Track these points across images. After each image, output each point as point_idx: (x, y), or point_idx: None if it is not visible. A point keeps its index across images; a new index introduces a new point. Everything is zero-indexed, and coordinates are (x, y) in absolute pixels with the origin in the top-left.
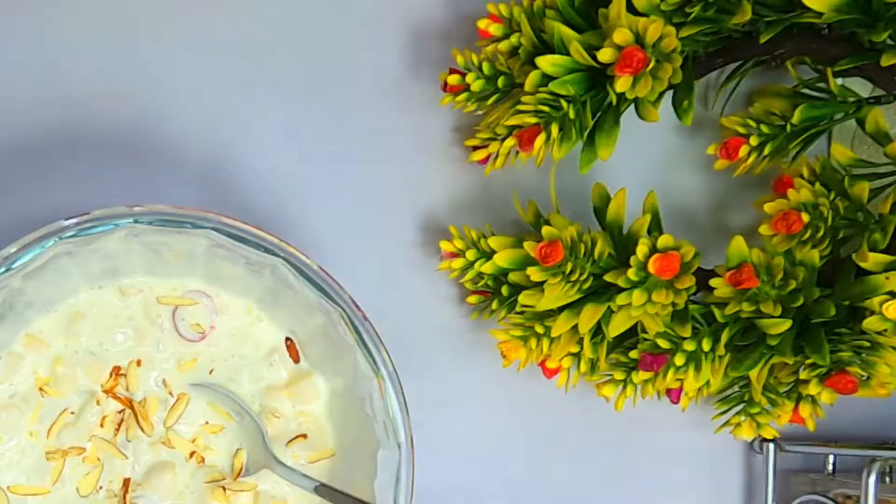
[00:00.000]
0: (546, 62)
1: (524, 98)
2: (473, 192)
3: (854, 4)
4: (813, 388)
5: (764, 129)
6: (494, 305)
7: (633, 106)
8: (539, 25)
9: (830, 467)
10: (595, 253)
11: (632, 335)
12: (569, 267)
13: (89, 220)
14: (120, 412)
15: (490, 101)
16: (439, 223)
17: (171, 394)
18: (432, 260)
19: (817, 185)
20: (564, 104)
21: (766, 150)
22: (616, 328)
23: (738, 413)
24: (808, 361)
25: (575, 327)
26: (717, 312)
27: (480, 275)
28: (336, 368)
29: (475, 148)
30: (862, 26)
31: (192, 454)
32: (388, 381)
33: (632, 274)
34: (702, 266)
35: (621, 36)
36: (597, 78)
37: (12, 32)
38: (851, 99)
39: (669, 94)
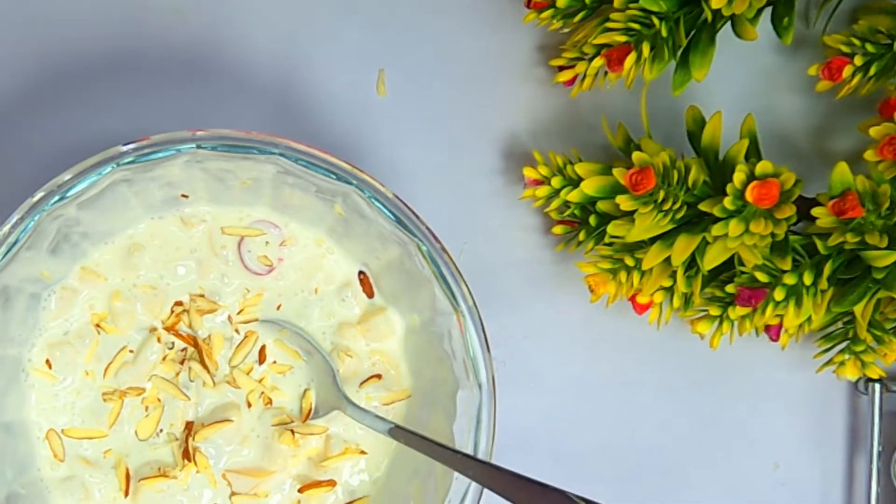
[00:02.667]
0: None
1: (613, 15)
2: (559, 115)
3: None
4: None
5: (869, 48)
6: (581, 236)
7: (729, 23)
8: None
9: None
10: (689, 180)
11: (728, 268)
12: (661, 195)
13: (149, 146)
14: (182, 350)
15: (577, 19)
16: (522, 148)
17: (236, 331)
18: (515, 188)
19: None
20: (656, 21)
21: (872, 71)
22: (711, 260)
23: (841, 351)
24: None
25: (667, 259)
26: (819, 244)
27: (566, 203)
28: (412, 303)
29: (561, 68)
30: None
31: (259, 395)
32: (468, 316)
33: (728, 203)
34: (803, 194)
35: None
36: None
37: None
38: None
39: (768, 10)
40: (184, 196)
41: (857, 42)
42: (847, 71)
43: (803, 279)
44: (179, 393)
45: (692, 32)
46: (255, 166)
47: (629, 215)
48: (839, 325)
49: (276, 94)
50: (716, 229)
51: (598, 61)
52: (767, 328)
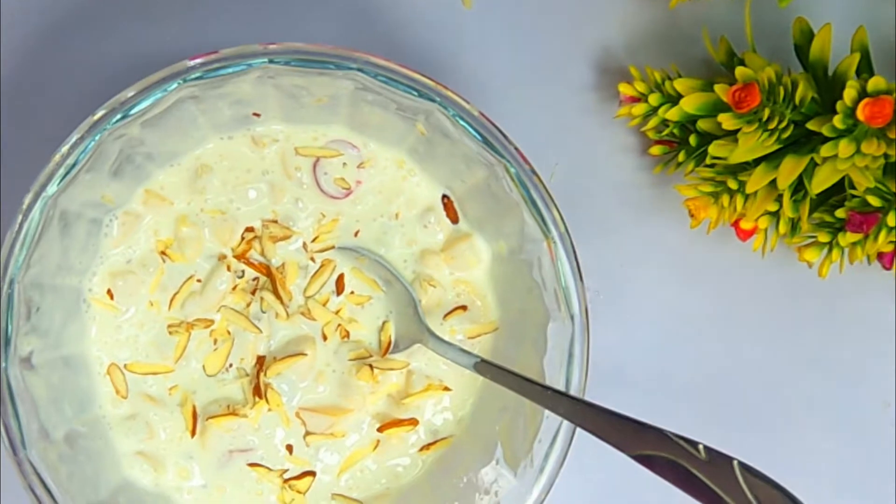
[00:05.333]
0: None
1: None
2: (657, 27)
3: None
4: None
5: None
6: (681, 157)
7: None
8: None
9: None
10: (796, 97)
11: (838, 191)
12: (766, 113)
13: (217, 60)
14: (253, 280)
15: None
16: (617, 63)
17: (312, 259)
18: (610, 105)
19: None
20: None
21: None
22: (820, 183)
23: None
24: None
25: (773, 182)
26: None
27: (665, 122)
28: (499, 230)
29: None
30: None
31: (335, 328)
32: (560, 243)
33: (838, 121)
34: None
35: None
36: None
37: None
38: None
39: None
40: (255, 114)
41: None
42: None
43: None
44: (250, 325)
45: None
46: (332, 82)
47: (732, 135)
48: None
49: (354, 6)
50: (825, 150)
51: None
52: (880, 256)
